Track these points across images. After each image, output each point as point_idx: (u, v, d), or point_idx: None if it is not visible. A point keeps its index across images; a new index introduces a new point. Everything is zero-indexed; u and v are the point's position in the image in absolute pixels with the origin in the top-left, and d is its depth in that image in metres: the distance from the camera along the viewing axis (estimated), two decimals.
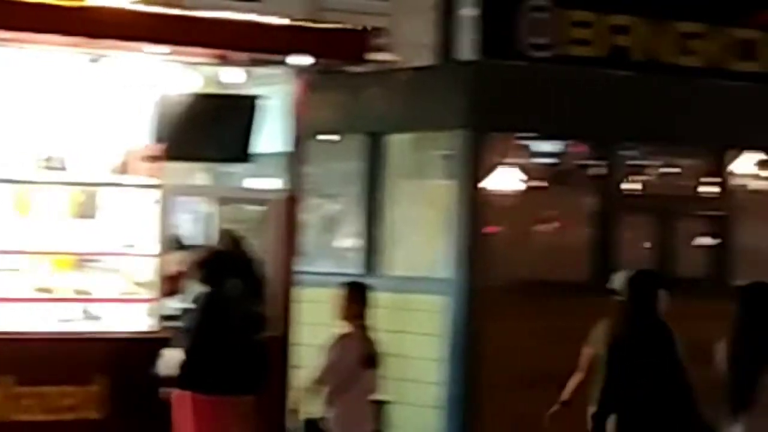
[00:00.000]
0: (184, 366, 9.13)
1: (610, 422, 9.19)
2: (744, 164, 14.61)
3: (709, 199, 14.47)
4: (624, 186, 14.00)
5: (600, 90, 13.46)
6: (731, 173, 14.47)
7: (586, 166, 13.85)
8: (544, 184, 13.77)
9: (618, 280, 9.89)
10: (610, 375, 8.99)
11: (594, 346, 10.07)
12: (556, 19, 13.10)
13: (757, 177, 14.90)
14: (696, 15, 13.95)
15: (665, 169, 14.63)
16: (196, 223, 11.05)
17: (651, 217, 14.19)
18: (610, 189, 13.68)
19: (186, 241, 10.58)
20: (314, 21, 10.95)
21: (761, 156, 14.69)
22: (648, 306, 9.17)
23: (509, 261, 13.04)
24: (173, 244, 10.36)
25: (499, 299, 12.56)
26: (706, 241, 14.31)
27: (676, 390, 8.94)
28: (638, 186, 14.25)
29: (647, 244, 14.12)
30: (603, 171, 13.67)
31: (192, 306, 9.38)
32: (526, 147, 13.63)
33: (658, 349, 9.08)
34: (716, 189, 14.41)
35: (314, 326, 10.45)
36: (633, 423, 8.85)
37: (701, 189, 14.55)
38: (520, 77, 13.00)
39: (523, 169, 13.50)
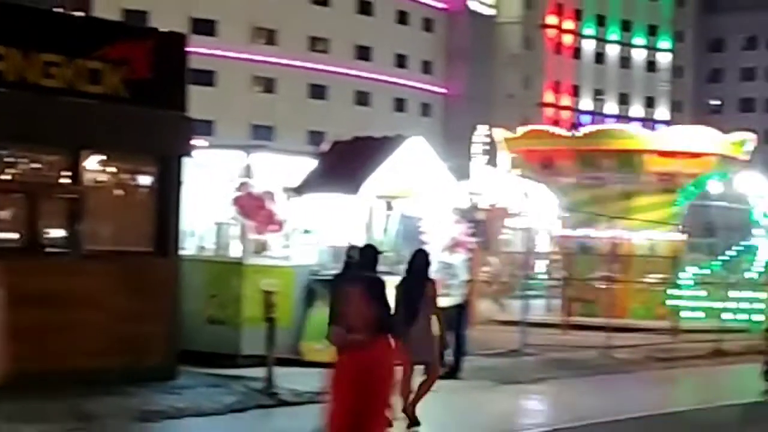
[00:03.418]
0: None
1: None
2: (92, 161, 15.03)
3: (67, 185, 14.57)
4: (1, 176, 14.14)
5: None
6: (84, 167, 14.68)
7: None
8: None
9: (354, 250, 13.01)
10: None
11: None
12: None
13: (102, 171, 15.35)
14: (56, 48, 14.16)
15: (34, 163, 14.82)
16: None
17: (23, 200, 14.33)
18: None
19: None
20: None
21: (103, 156, 15.15)
22: (371, 265, 11.89)
23: None
24: None
25: None
26: (65, 217, 14.52)
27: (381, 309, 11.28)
28: (10, 176, 14.38)
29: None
30: None
31: None
32: None
33: (375, 289, 11.01)
34: (71, 180, 14.58)
35: None
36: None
37: (62, 179, 14.74)
38: None
39: None
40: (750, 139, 32.27)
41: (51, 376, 13.34)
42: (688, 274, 28.87)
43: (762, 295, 27.68)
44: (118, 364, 14.35)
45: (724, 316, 26.50)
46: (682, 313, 26.78)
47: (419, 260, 13.40)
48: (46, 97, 14.14)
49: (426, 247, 15.26)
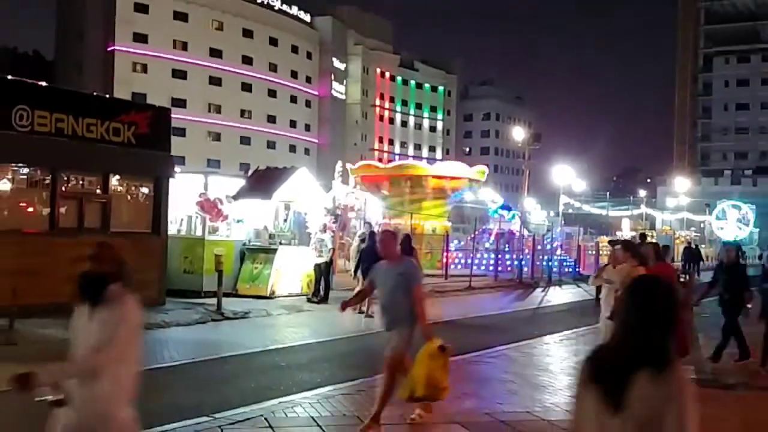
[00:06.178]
0: None
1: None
2: (115, 180, 14.60)
3: (100, 194, 14.12)
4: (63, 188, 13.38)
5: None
6: (110, 184, 14.32)
7: None
8: None
9: (363, 231, 12.92)
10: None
11: None
12: None
13: (120, 186, 14.90)
14: (94, 114, 13.77)
15: (81, 181, 14.00)
16: None
17: (75, 202, 13.66)
18: None
19: None
20: None
21: (121, 177, 14.72)
22: (373, 242, 10.92)
23: None
24: None
25: None
26: (99, 212, 14.12)
27: None
28: (66, 189, 13.56)
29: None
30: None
31: None
32: None
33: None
34: (102, 190, 14.12)
35: None
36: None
37: (97, 190, 13.98)
38: None
39: None
40: (485, 170, 33.49)
41: None
42: (452, 244, 29.60)
43: (492, 255, 28.69)
44: None
45: (475, 269, 27.31)
46: (450, 265, 27.41)
47: (406, 243, 12.55)
48: (88, 143, 13.79)
49: (407, 235, 14.23)
